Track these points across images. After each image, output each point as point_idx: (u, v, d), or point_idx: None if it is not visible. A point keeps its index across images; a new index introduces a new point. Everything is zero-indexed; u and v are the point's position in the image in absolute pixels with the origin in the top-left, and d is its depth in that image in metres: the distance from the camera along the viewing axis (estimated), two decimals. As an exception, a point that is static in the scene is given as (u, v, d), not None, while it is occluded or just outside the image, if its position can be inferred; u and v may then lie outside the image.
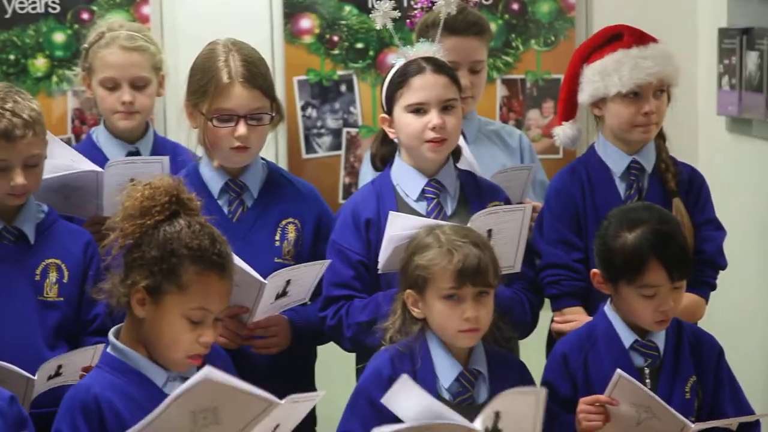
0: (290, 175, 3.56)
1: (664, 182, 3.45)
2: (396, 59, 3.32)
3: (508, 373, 3.03)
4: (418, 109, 3.24)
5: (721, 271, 3.52)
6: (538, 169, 3.85)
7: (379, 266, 3.17)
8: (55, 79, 4.82)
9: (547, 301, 3.46)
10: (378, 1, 3.32)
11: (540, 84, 4.98)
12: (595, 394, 3.00)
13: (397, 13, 3.33)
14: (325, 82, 4.93)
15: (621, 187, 3.46)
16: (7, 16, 4.79)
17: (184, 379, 2.61)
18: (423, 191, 3.30)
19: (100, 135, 3.76)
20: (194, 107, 3.31)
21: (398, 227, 3.11)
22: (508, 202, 3.38)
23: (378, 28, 3.34)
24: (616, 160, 3.47)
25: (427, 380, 2.95)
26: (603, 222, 3.14)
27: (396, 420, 2.80)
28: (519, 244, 3.20)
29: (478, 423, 2.73)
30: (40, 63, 4.83)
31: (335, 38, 4.91)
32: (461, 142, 3.52)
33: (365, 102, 4.94)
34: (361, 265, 3.26)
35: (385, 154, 3.40)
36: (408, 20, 3.92)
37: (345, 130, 4.96)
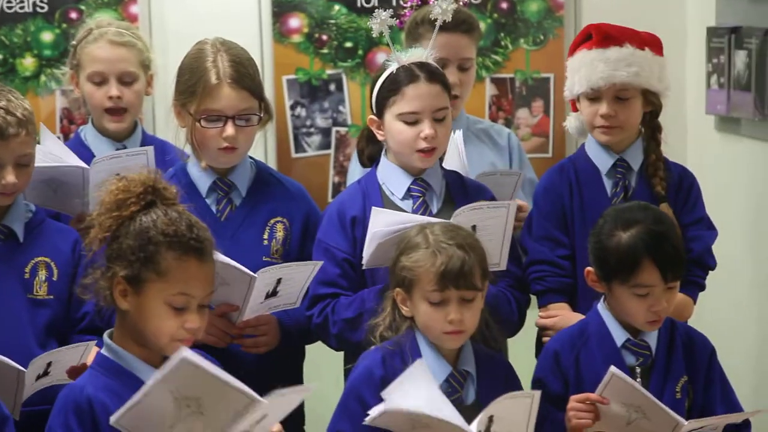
0: (278, 174, 3.56)
1: (651, 186, 3.45)
2: (389, 62, 3.30)
3: (495, 374, 3.03)
4: (411, 119, 3.24)
5: (711, 272, 3.52)
6: (527, 168, 3.86)
7: (363, 262, 3.17)
8: (43, 78, 4.81)
9: (534, 300, 3.47)
10: (377, 9, 3.31)
11: (529, 83, 4.98)
12: (586, 391, 3.00)
13: (394, 21, 3.33)
14: (314, 81, 4.93)
15: (608, 185, 3.47)
16: (-5, 15, 4.79)
17: None
18: (409, 190, 3.30)
19: (88, 133, 3.78)
20: (182, 107, 3.30)
21: (382, 223, 3.11)
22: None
23: (375, 36, 3.34)
24: (602, 158, 3.49)
25: (419, 380, 2.95)
26: (598, 221, 3.14)
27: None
28: (504, 241, 3.19)
29: (473, 426, 2.74)
30: (28, 62, 4.81)
31: (324, 37, 4.91)
32: (459, 145, 3.52)
33: (354, 101, 4.94)
34: (347, 263, 3.26)
35: (372, 153, 3.41)
36: (398, 20, 3.92)
37: (334, 129, 4.96)
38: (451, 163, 3.49)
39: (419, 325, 3.00)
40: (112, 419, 2.53)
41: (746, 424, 3.11)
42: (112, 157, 3.43)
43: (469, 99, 3.94)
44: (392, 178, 3.32)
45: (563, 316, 3.39)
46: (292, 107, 4.93)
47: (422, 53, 3.30)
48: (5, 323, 3.13)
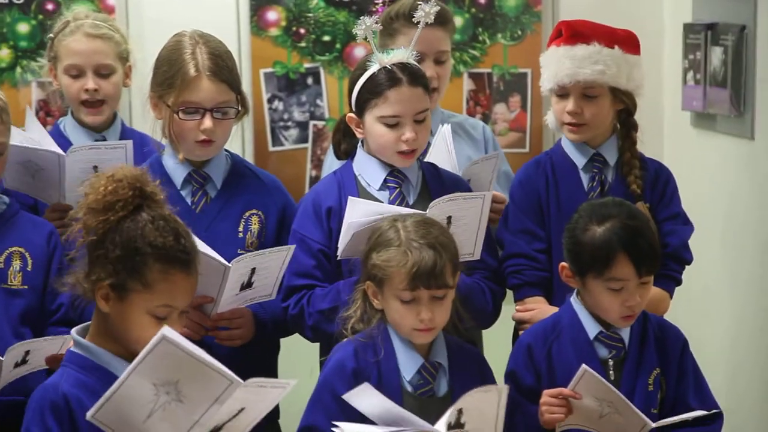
0: (254, 166, 3.56)
1: (626, 184, 3.46)
2: (370, 63, 3.29)
3: (468, 365, 3.04)
4: (392, 122, 3.24)
5: (687, 266, 3.53)
6: (502, 160, 3.87)
7: (339, 252, 3.17)
8: (19, 70, 4.80)
9: (510, 294, 3.47)
10: (363, 17, 3.31)
11: (507, 78, 4.99)
12: (559, 384, 3.01)
13: (379, 27, 3.33)
14: (292, 75, 4.92)
15: (585, 179, 3.48)
16: (-29, 6, 4.77)
17: None
18: (385, 181, 3.30)
19: (67, 125, 3.77)
20: (159, 99, 3.30)
21: (358, 213, 3.11)
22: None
23: (358, 41, 3.34)
24: (579, 153, 3.49)
25: (391, 372, 2.96)
26: (572, 215, 3.15)
27: (359, 414, 2.81)
28: (478, 231, 3.20)
29: (440, 423, 2.74)
30: (4, 54, 4.80)
31: (302, 31, 4.91)
32: (448, 139, 3.53)
33: (332, 95, 4.94)
34: (322, 254, 3.26)
35: (348, 147, 3.41)
36: (370, 15, 3.91)
37: (311, 122, 4.96)
38: (439, 158, 3.49)
39: (390, 321, 3.00)
40: (88, 414, 2.52)
41: (718, 417, 3.12)
42: (91, 148, 3.43)
43: (447, 94, 3.94)
44: (368, 170, 3.32)
45: (540, 309, 3.39)
46: (270, 101, 4.92)
47: (404, 54, 3.29)
48: (-20, 312, 3.12)
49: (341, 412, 2.87)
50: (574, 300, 3.15)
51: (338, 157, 3.46)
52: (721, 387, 4.10)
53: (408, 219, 3.02)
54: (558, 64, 3.43)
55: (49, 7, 4.78)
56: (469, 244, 3.19)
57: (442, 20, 3.73)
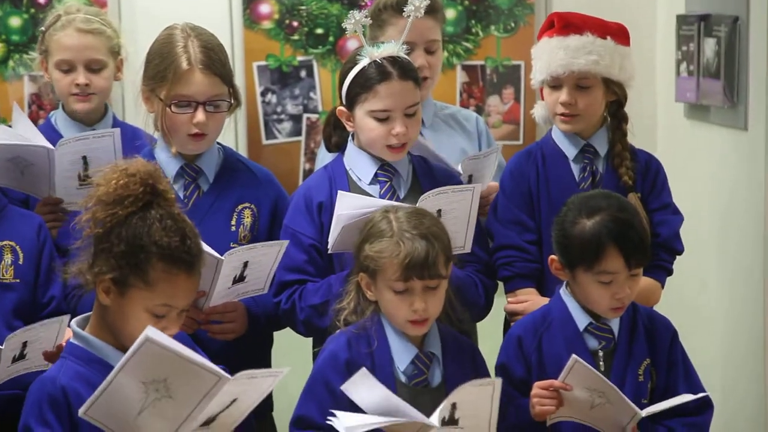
0: (246, 160, 3.56)
1: (618, 175, 3.46)
2: (360, 56, 3.29)
3: (461, 355, 3.04)
4: (383, 116, 3.24)
5: (679, 257, 3.54)
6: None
7: (329, 246, 3.17)
8: (11, 63, 4.80)
9: (502, 287, 3.47)
10: (352, 11, 3.31)
11: (500, 70, 4.99)
12: (549, 376, 3.02)
13: (368, 21, 3.33)
14: (285, 68, 4.92)
15: (575, 170, 3.48)
16: (-37, 1, 4.77)
17: None
18: (376, 175, 3.30)
19: (58, 118, 3.78)
20: (151, 92, 3.30)
21: (347, 206, 3.11)
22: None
23: (348, 35, 3.33)
24: (570, 144, 3.49)
25: (384, 362, 2.96)
26: (562, 208, 3.15)
27: (353, 405, 2.81)
28: (469, 224, 3.21)
29: (434, 417, 2.74)
30: (-5, 47, 4.80)
31: (295, 24, 4.91)
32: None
33: (325, 88, 4.93)
34: (314, 249, 3.26)
35: (339, 140, 3.41)
36: (359, 9, 3.91)
37: (305, 115, 4.96)
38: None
39: (384, 312, 3.01)
40: (81, 411, 2.52)
41: (708, 406, 3.12)
42: (78, 139, 3.42)
43: (440, 86, 3.94)
44: (359, 164, 3.32)
45: (532, 301, 3.39)
46: (263, 94, 4.92)
47: (394, 47, 3.29)
48: (-27, 306, 3.12)
49: (334, 403, 2.87)
50: (563, 291, 3.15)
51: (329, 150, 3.46)
52: (715, 381, 4.11)
53: (400, 210, 3.02)
54: (551, 55, 3.43)
55: (41, 0, 4.77)
56: (460, 237, 3.19)
57: (430, 9, 3.71)
